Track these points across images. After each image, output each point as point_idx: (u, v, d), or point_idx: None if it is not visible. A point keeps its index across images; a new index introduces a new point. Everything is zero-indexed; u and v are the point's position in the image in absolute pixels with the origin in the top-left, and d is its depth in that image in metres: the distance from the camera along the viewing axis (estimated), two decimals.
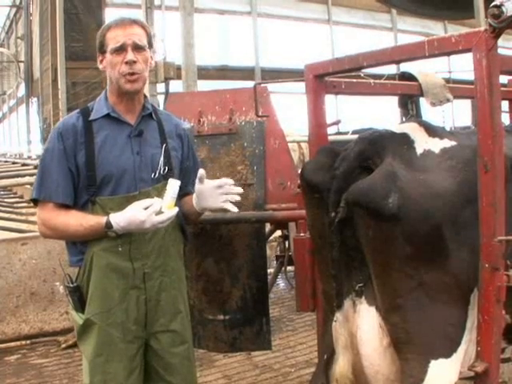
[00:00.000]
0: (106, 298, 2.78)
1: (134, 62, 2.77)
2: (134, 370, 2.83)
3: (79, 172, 2.77)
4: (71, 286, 2.81)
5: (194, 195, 2.94)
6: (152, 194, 2.79)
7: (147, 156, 2.86)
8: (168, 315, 2.90)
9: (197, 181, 2.90)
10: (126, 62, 2.76)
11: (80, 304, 2.81)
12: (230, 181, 2.92)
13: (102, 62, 2.87)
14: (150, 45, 2.89)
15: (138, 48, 2.79)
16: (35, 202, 2.85)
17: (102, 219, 2.70)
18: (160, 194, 2.78)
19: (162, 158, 2.89)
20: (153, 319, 2.86)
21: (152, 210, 2.65)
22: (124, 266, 2.78)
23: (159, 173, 2.87)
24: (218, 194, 2.87)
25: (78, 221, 2.72)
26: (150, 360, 2.90)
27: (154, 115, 2.97)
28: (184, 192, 3.06)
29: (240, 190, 2.91)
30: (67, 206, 2.79)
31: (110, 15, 18.27)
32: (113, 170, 2.78)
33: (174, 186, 2.76)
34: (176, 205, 2.77)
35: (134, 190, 2.80)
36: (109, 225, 2.68)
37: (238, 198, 2.89)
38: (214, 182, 2.89)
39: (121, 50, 2.77)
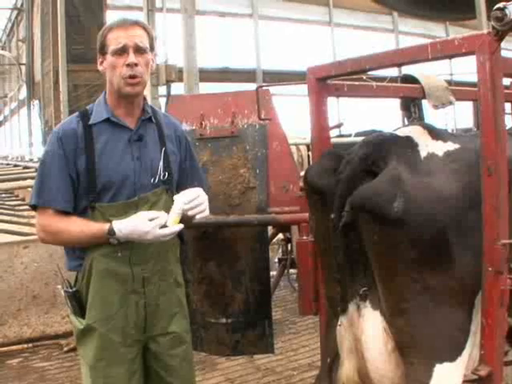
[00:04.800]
0: (106, 303, 2.77)
1: (136, 64, 2.74)
2: (135, 373, 2.83)
3: (79, 178, 2.75)
4: (70, 291, 2.80)
5: None
6: (151, 198, 2.80)
7: (147, 161, 2.84)
8: (166, 318, 2.90)
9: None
10: (128, 65, 2.73)
11: (79, 309, 2.80)
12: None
13: (102, 63, 2.83)
14: (152, 47, 2.85)
15: (139, 50, 2.76)
16: (34, 207, 2.83)
17: (105, 226, 2.68)
18: (159, 198, 2.80)
19: (161, 163, 2.88)
20: (152, 323, 2.85)
21: (157, 223, 2.65)
22: (123, 271, 2.77)
23: (159, 178, 2.86)
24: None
25: (80, 227, 2.71)
26: (150, 363, 2.90)
27: (153, 118, 2.95)
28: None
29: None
30: (67, 212, 2.77)
31: (111, 17, 18.28)
32: (113, 177, 2.76)
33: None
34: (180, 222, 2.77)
35: (133, 196, 2.78)
36: (111, 232, 2.67)
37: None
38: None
39: (122, 51, 2.73)
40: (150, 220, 2.65)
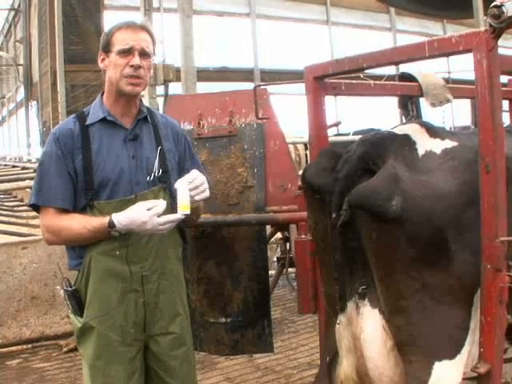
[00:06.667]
0: (105, 301, 2.78)
1: (140, 67, 2.78)
2: (134, 372, 2.83)
3: (77, 176, 2.78)
4: (70, 289, 2.82)
5: None
6: (149, 197, 2.81)
7: (142, 159, 2.87)
8: (167, 318, 2.90)
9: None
10: (132, 66, 2.77)
11: (79, 307, 2.82)
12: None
13: (103, 60, 2.86)
14: (154, 52, 2.90)
15: (144, 54, 2.81)
16: (34, 207, 2.86)
17: (105, 219, 2.70)
18: (157, 197, 2.81)
19: (156, 161, 2.90)
20: (151, 322, 2.86)
21: (155, 212, 2.66)
22: (121, 269, 2.78)
23: (154, 175, 2.88)
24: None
25: (81, 223, 2.73)
26: (150, 363, 2.91)
27: (149, 118, 2.97)
28: None
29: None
30: (67, 210, 2.79)
31: (108, 18, 18.29)
32: (109, 175, 2.79)
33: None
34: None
35: (129, 194, 2.80)
36: (112, 224, 2.68)
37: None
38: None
39: (128, 52, 2.77)
40: (148, 209, 2.66)
